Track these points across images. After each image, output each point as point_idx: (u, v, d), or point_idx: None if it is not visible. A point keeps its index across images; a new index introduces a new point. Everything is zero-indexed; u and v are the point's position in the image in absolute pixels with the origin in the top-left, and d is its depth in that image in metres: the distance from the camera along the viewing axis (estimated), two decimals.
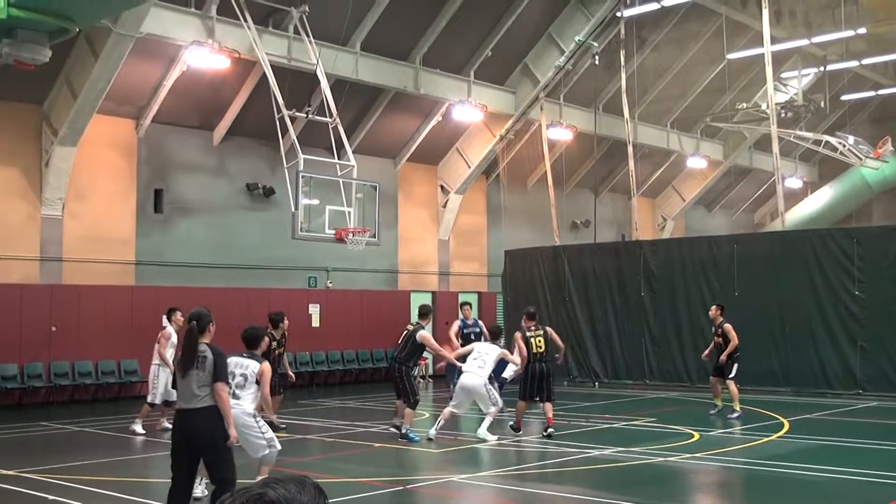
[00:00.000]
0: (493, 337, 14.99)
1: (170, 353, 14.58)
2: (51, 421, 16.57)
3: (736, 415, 15.74)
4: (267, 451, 9.15)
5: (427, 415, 16.71)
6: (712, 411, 16.38)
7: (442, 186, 28.06)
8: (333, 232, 18.98)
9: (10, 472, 11.16)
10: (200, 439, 7.51)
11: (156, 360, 14.83)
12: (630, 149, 27.18)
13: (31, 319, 19.14)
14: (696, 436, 13.94)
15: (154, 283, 21.24)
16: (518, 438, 14.01)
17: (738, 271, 21.01)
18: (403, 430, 13.58)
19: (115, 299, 20.45)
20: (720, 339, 16.56)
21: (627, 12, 25.92)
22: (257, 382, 9.07)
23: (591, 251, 24.58)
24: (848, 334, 19.46)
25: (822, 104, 33.10)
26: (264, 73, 19.86)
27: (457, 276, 28.38)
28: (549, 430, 13.98)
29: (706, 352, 17.19)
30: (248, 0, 19.74)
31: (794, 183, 38.55)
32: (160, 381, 14.65)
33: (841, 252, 19.87)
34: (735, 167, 37.04)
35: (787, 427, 14.97)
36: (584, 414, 17.03)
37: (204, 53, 19.46)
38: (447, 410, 13.94)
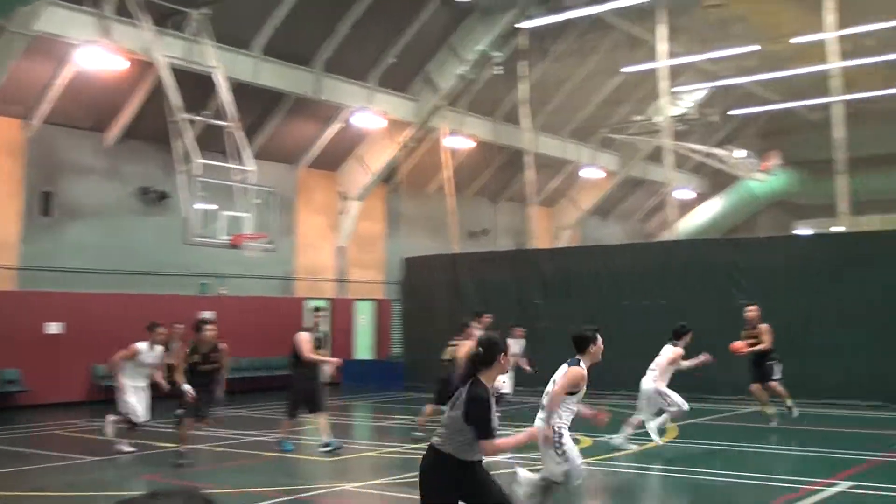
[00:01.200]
0: (676, 337, 14.03)
1: (139, 372, 13.41)
2: None
3: (795, 413, 15.29)
4: (564, 474, 8.38)
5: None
6: (772, 422, 15.55)
7: (341, 193, 27.96)
8: (229, 238, 18.73)
9: None
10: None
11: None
12: (528, 158, 27.55)
13: None
14: (587, 441, 14.19)
15: (41, 288, 20.61)
16: (418, 447, 14.04)
17: (631, 280, 21.48)
18: (325, 440, 13.40)
19: None
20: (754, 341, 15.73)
21: (528, 24, 26.27)
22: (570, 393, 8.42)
23: (488, 259, 24.81)
24: (734, 341, 20.02)
25: (714, 118, 34.14)
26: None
27: (354, 284, 28.30)
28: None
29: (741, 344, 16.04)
30: (146, 0, 19.36)
31: (687, 194, 39.61)
32: (130, 399, 13.33)
33: (728, 262, 20.51)
34: (630, 178, 37.88)
35: (674, 432, 15.35)
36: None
37: (99, 53, 19.02)
38: (634, 418, 13.65)
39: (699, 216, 39.89)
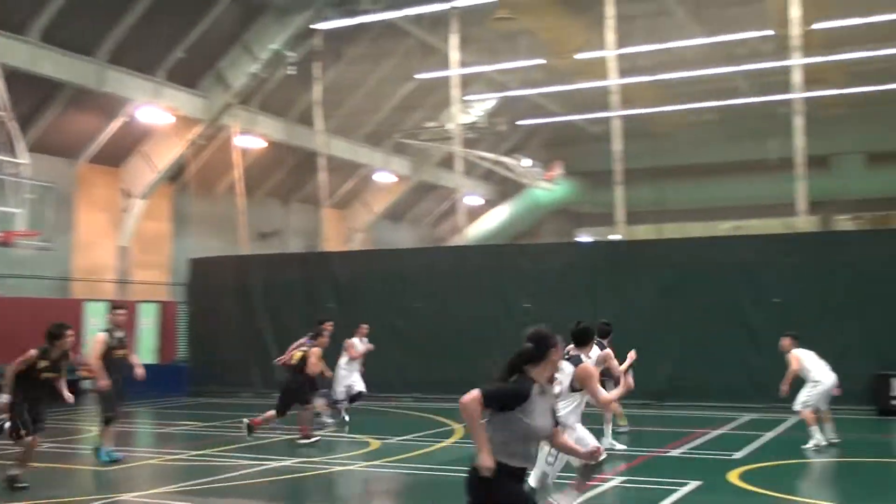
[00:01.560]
0: (602, 335, 12.55)
1: None
2: None
3: (625, 429, 15.11)
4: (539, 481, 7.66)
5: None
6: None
7: (125, 190, 26.82)
8: None
9: None
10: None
11: None
12: (321, 160, 27.48)
13: None
14: (375, 444, 14.28)
15: None
16: (203, 453, 13.67)
17: (422, 283, 21.80)
18: (105, 449, 12.62)
19: None
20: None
21: (323, 25, 26.19)
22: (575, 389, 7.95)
23: (279, 261, 24.54)
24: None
25: (503, 128, 35.25)
26: None
27: (137, 285, 27.19)
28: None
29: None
30: None
31: (476, 200, 40.65)
32: None
33: (514, 266, 21.22)
34: (421, 183, 38.47)
35: (460, 432, 15.70)
36: (268, 426, 16.89)
37: None
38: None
39: (488, 222, 41.05)
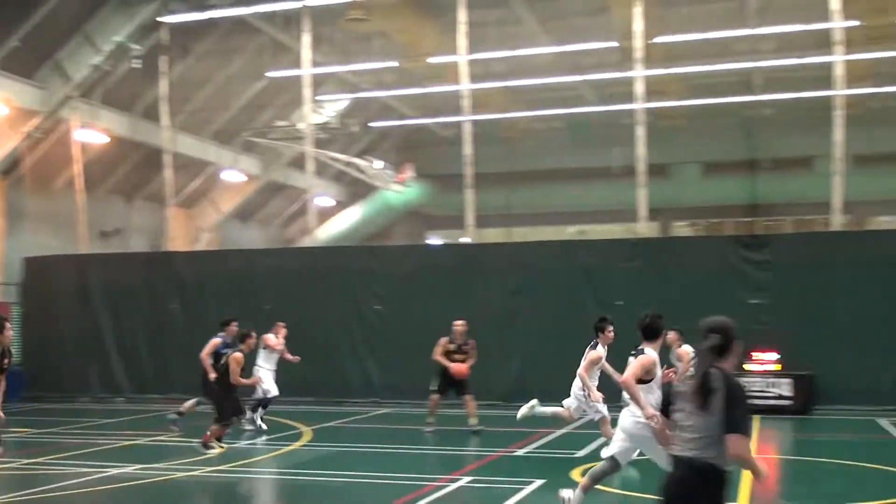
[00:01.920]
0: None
1: None
2: None
3: (478, 428, 15.38)
4: None
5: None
6: (428, 429, 15.58)
7: None
8: None
9: None
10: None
11: None
12: (167, 157, 26.73)
13: None
14: (221, 448, 13.97)
15: None
16: (37, 461, 13.05)
17: (271, 284, 21.51)
18: None
19: None
20: (463, 357, 15.48)
21: (170, 19, 25.46)
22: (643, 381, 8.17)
23: (121, 261, 23.75)
24: (368, 346, 20.78)
25: (355, 129, 35.14)
26: None
27: None
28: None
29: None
30: None
31: (327, 201, 40.33)
32: None
33: (364, 268, 21.21)
34: (271, 183, 37.92)
35: (308, 435, 15.57)
36: (107, 431, 16.30)
37: None
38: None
39: (339, 224, 40.83)
